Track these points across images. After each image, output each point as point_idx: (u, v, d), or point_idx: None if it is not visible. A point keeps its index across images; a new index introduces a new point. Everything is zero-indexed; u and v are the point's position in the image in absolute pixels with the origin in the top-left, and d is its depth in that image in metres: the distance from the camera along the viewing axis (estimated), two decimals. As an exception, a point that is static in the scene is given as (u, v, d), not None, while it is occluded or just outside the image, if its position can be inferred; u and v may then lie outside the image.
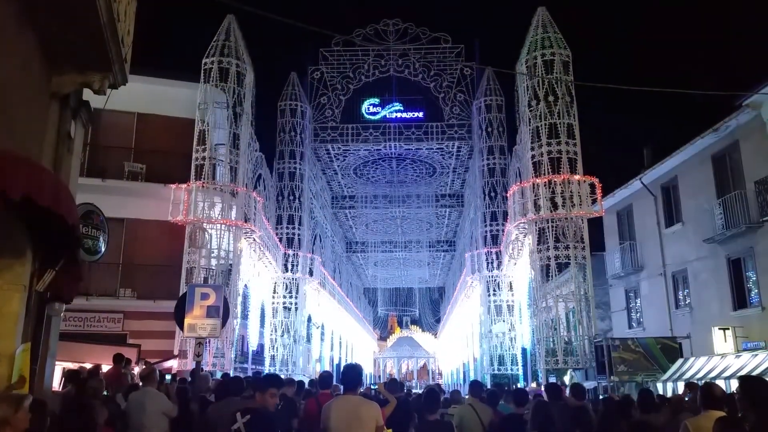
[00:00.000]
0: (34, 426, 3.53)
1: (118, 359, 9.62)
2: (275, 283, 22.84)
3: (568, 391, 8.41)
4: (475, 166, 24.45)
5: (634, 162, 24.00)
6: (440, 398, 6.80)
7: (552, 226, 16.69)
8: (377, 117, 26.63)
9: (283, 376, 20.28)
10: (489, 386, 16.14)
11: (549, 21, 17.84)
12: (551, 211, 16.47)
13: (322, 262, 28.54)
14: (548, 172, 16.75)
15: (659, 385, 14.31)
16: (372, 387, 16.72)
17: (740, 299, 16.61)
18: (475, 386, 7.94)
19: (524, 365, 21.23)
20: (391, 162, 29.78)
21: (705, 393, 4.89)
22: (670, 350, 15.69)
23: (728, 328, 15.78)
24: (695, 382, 10.87)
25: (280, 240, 22.72)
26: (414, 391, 18.28)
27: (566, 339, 17.18)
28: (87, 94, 6.82)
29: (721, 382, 13.34)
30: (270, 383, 5.28)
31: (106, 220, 8.57)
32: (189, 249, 16.33)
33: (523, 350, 21.29)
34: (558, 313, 17.16)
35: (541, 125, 17.03)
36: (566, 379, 17.50)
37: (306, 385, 10.86)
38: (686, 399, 7.89)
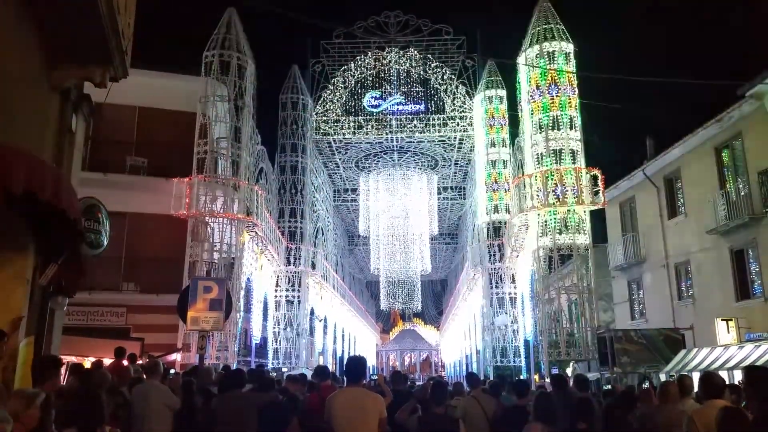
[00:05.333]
0: (40, 420, 3.53)
1: (120, 353, 9.64)
2: (278, 276, 22.87)
3: (571, 382, 8.42)
4: (477, 159, 24.39)
5: (637, 153, 23.93)
6: (447, 391, 6.81)
7: (554, 218, 16.66)
8: (379, 109, 26.56)
9: (285, 369, 20.41)
10: (492, 378, 16.16)
11: (551, 12, 17.74)
12: (553, 203, 16.43)
13: (325, 255, 28.56)
14: (550, 164, 16.70)
15: (662, 376, 14.32)
16: (372, 378, 16.77)
17: (743, 290, 16.59)
18: (473, 378, 7.95)
19: (527, 357, 21.27)
20: (393, 154, 29.74)
21: (706, 383, 4.85)
22: (673, 341, 15.70)
23: (731, 319, 15.77)
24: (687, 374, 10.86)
25: (282, 233, 22.73)
26: (417, 383, 18.33)
27: (569, 331, 17.18)
28: (88, 88, 6.81)
29: (724, 373, 13.36)
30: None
31: (108, 214, 8.56)
32: (191, 243, 16.33)
33: (526, 342, 21.32)
34: (561, 304, 17.16)
35: (543, 117, 16.97)
36: (569, 370, 17.52)
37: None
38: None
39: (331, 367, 27.66)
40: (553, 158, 16.71)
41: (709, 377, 4.92)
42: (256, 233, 18.59)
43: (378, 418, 5.05)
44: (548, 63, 17.18)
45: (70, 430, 4.06)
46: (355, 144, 27.80)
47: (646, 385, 13.34)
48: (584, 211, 16.73)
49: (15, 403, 3.38)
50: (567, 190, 16.33)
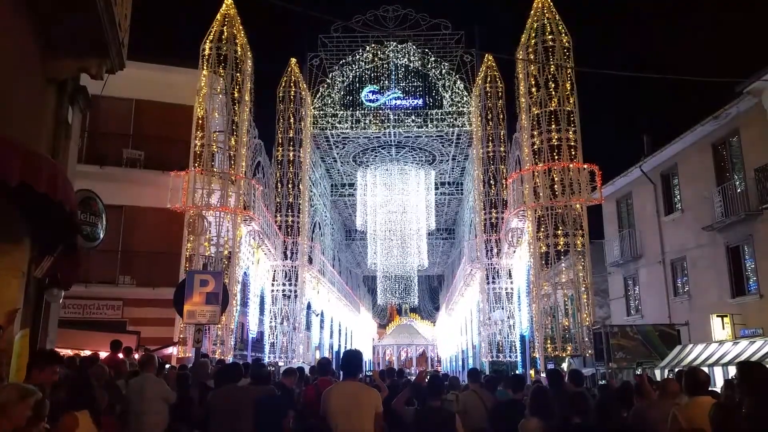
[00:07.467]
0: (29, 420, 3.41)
1: (115, 346, 9.64)
2: (274, 270, 22.85)
3: (566, 377, 8.46)
4: (475, 154, 24.38)
5: (634, 149, 23.98)
6: (444, 385, 6.85)
7: (551, 214, 16.66)
8: (376, 104, 26.51)
9: (281, 364, 20.43)
10: (487, 373, 16.20)
11: (549, 7, 17.70)
12: (551, 199, 16.44)
13: (322, 250, 28.54)
14: (548, 160, 16.69)
15: (657, 372, 14.39)
16: (367, 374, 16.78)
17: (738, 287, 16.66)
18: (475, 374, 8.04)
19: (522, 352, 21.30)
20: (391, 149, 29.70)
21: (690, 379, 4.81)
22: (668, 337, 15.76)
23: (726, 316, 15.85)
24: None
25: (280, 228, 22.70)
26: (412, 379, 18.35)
27: (565, 326, 17.22)
28: (84, 80, 6.78)
29: (718, 369, 13.44)
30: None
31: (105, 207, 8.54)
32: (188, 236, 16.30)
33: (522, 337, 21.35)
34: (557, 300, 17.18)
35: (541, 112, 16.95)
36: (564, 366, 17.57)
37: (306, 372, 10.88)
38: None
39: (327, 362, 27.64)
40: (551, 154, 16.70)
41: (693, 373, 4.89)
42: (253, 227, 18.57)
43: (374, 412, 5.06)
44: (546, 58, 17.15)
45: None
46: (353, 138, 27.75)
47: (639, 371, 13.39)
48: (581, 207, 16.74)
49: (6, 394, 3.28)
50: (564, 186, 16.33)
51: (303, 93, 24.30)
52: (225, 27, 17.42)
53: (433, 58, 26.38)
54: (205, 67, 17.05)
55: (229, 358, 15.38)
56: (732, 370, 12.22)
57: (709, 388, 5.30)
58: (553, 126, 16.81)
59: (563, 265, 17.64)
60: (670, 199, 20.41)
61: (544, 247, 16.77)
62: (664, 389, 5.76)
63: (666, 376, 13.14)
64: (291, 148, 23.48)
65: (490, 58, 23.24)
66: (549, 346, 16.52)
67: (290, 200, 23.21)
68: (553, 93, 16.91)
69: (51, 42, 5.67)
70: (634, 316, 22.11)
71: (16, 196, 4.65)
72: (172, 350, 15.23)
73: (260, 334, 21.89)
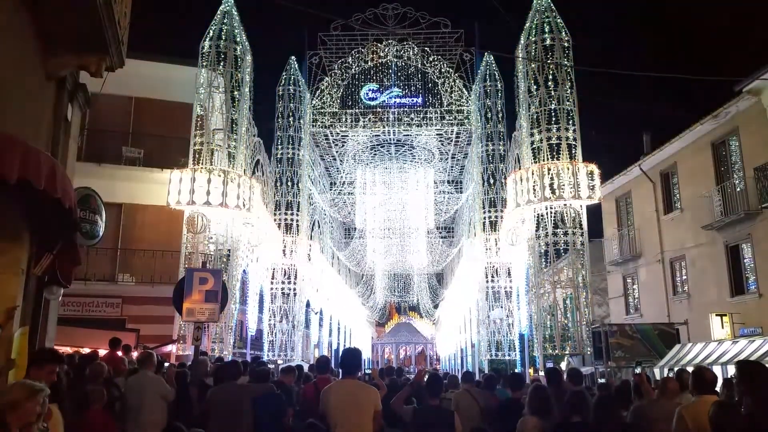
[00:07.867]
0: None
1: (114, 344, 9.63)
2: (274, 268, 22.84)
3: (565, 376, 8.47)
4: (474, 152, 24.38)
5: (634, 148, 23.99)
6: (443, 383, 6.86)
7: (550, 213, 16.67)
8: (376, 102, 26.49)
9: (280, 362, 20.46)
10: (486, 372, 16.20)
11: (549, 6, 17.68)
12: (550, 198, 16.44)
13: (321, 248, 28.53)
14: (547, 158, 16.69)
15: (656, 371, 14.40)
16: (366, 372, 16.82)
17: (738, 286, 16.68)
18: (468, 375, 8.13)
19: (521, 351, 21.33)
20: (390, 148, 29.68)
21: (697, 378, 4.83)
22: (667, 336, 15.78)
23: (725, 315, 15.87)
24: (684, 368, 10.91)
25: (279, 226, 22.69)
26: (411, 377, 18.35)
27: (564, 325, 17.23)
28: (84, 78, 6.77)
29: (717, 368, 13.44)
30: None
31: (104, 205, 8.53)
32: (187, 234, 16.29)
33: (521, 336, 21.37)
34: (556, 299, 17.20)
35: (541, 111, 16.94)
36: (563, 364, 17.58)
37: (305, 370, 10.87)
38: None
39: (326, 360, 27.63)
40: (550, 152, 16.69)
41: (700, 372, 4.92)
42: (252, 225, 18.55)
43: (373, 410, 5.06)
44: (546, 56, 17.14)
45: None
46: (352, 137, 27.73)
47: (638, 370, 13.41)
48: (580, 206, 16.75)
49: (16, 392, 3.30)
50: (563, 185, 16.32)
51: (302, 91, 24.28)
52: (224, 24, 17.39)
53: (432, 57, 26.35)
54: (204, 65, 17.02)
55: (228, 356, 15.38)
56: (731, 370, 12.23)
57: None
58: (553, 124, 16.80)
59: (562, 263, 17.65)
60: (670, 198, 20.42)
61: (543, 246, 16.77)
62: (663, 388, 5.78)
63: (665, 375, 13.14)
64: (290, 146, 23.46)
65: (490, 56, 23.23)
66: (548, 344, 16.53)
67: (289, 198, 23.19)
68: (553, 92, 16.90)
69: (51, 39, 5.66)
70: (633, 315, 22.13)
71: (15, 193, 4.64)
72: (171, 348, 15.23)
73: (259, 332, 21.90)
